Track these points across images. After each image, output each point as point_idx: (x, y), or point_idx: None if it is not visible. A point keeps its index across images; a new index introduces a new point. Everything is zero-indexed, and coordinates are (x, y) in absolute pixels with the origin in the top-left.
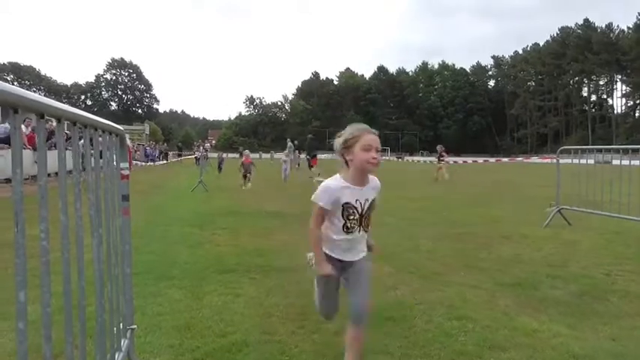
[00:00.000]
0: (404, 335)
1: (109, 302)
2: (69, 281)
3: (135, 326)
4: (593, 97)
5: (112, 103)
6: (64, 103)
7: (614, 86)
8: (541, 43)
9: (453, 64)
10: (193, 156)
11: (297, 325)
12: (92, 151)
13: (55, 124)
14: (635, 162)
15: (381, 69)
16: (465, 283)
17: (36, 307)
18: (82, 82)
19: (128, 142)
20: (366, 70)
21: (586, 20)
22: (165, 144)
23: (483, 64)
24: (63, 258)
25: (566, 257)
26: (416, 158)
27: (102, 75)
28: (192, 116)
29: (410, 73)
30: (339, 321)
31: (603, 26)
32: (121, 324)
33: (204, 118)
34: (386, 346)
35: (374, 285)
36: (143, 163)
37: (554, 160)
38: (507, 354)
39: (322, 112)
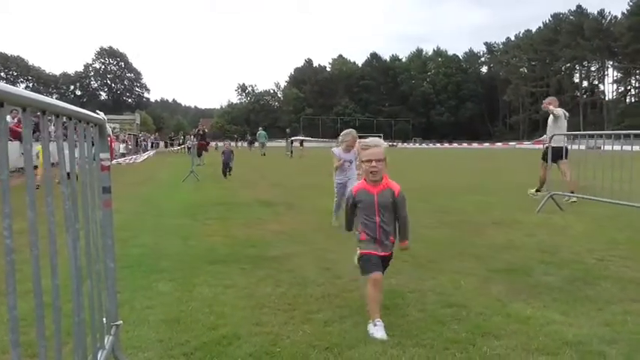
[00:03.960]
0: (397, 324)
1: (90, 299)
2: (39, 280)
3: (120, 322)
4: (585, 84)
5: (101, 92)
6: (53, 93)
7: (606, 72)
8: (533, 30)
9: (446, 51)
10: (183, 145)
11: (288, 315)
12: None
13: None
14: (627, 147)
15: (374, 56)
16: (458, 271)
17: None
18: (71, 71)
19: (109, 130)
20: (359, 57)
21: (578, 6)
22: (157, 133)
23: (476, 51)
24: (32, 255)
25: (559, 243)
26: (409, 145)
27: (91, 64)
28: (183, 105)
29: (403, 60)
30: (330, 312)
31: (595, 13)
32: (105, 320)
33: (195, 107)
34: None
35: None
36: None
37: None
38: (500, 341)
39: (315, 100)
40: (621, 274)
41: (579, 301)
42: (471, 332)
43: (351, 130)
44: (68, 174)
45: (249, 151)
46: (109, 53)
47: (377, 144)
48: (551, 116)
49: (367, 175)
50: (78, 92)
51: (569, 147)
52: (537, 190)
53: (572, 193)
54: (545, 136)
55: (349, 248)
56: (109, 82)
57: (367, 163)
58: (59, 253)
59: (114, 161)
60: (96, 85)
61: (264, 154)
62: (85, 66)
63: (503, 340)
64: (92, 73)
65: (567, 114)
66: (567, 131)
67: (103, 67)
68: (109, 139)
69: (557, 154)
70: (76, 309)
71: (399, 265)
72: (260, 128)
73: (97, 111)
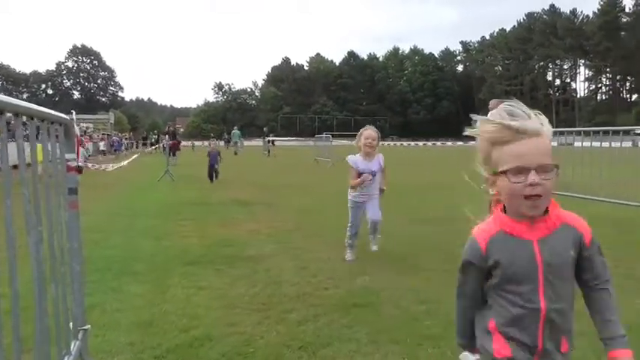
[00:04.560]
0: (371, 321)
1: (54, 303)
2: None
3: (87, 326)
4: (558, 82)
5: (74, 91)
6: (23, 92)
7: (578, 70)
8: (508, 29)
9: (422, 49)
10: (157, 145)
11: (263, 315)
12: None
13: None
14: (596, 144)
15: (352, 54)
16: (432, 267)
17: None
18: (42, 70)
19: (76, 131)
20: (337, 56)
21: (552, 6)
22: (131, 133)
23: (452, 50)
24: None
25: None
26: (386, 143)
27: (63, 62)
28: (159, 104)
29: (380, 59)
30: (304, 310)
31: (568, 12)
32: (71, 325)
33: (171, 106)
34: (354, 333)
35: (342, 273)
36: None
37: None
38: None
39: (293, 98)
40: None
41: None
42: (444, 328)
43: (369, 126)
44: None
45: (226, 150)
46: (82, 51)
47: (537, 130)
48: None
49: (517, 205)
50: (50, 91)
51: None
52: None
53: None
54: None
55: (325, 247)
56: (82, 80)
57: (518, 178)
58: (22, 257)
59: (80, 163)
60: (68, 83)
61: (236, 153)
62: (57, 64)
63: None
64: (64, 72)
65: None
66: None
67: (76, 65)
68: (76, 139)
69: None
70: (39, 314)
71: (374, 262)
72: (235, 128)
73: (72, 111)
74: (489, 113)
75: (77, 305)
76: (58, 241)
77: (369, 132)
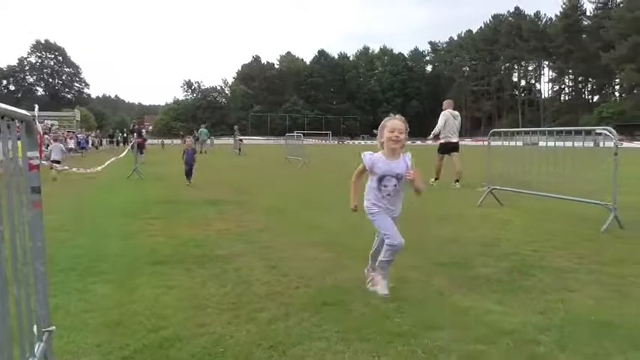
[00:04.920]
0: (341, 319)
1: (17, 305)
2: None
3: (53, 328)
4: (523, 82)
5: (37, 88)
6: None
7: (542, 72)
8: (474, 30)
9: (391, 49)
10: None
11: (233, 314)
12: None
13: None
14: (560, 143)
15: (322, 53)
16: (402, 265)
17: None
18: (3, 65)
19: (38, 128)
20: (307, 55)
21: (516, 8)
22: (98, 130)
23: (421, 50)
24: None
25: (498, 236)
26: (356, 142)
27: (25, 58)
28: (126, 101)
29: (351, 58)
30: (274, 309)
31: (532, 14)
32: (35, 327)
33: (139, 104)
34: (323, 331)
35: (312, 272)
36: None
37: (486, 143)
38: (442, 333)
39: (264, 97)
40: (555, 264)
41: (516, 291)
42: (414, 325)
43: (395, 115)
44: None
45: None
46: (45, 47)
47: None
48: (441, 118)
49: None
50: (12, 87)
51: (506, 143)
52: (436, 179)
53: (458, 181)
54: (431, 134)
55: (296, 246)
56: (45, 77)
57: None
58: None
59: (44, 162)
60: (32, 80)
61: (200, 152)
62: (19, 60)
63: (445, 331)
64: (27, 68)
65: (456, 113)
66: (507, 128)
67: (40, 61)
68: (38, 136)
69: (451, 147)
70: (1, 315)
71: (344, 260)
72: (202, 126)
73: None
74: (442, 113)
75: (41, 306)
76: (21, 241)
77: (394, 122)
